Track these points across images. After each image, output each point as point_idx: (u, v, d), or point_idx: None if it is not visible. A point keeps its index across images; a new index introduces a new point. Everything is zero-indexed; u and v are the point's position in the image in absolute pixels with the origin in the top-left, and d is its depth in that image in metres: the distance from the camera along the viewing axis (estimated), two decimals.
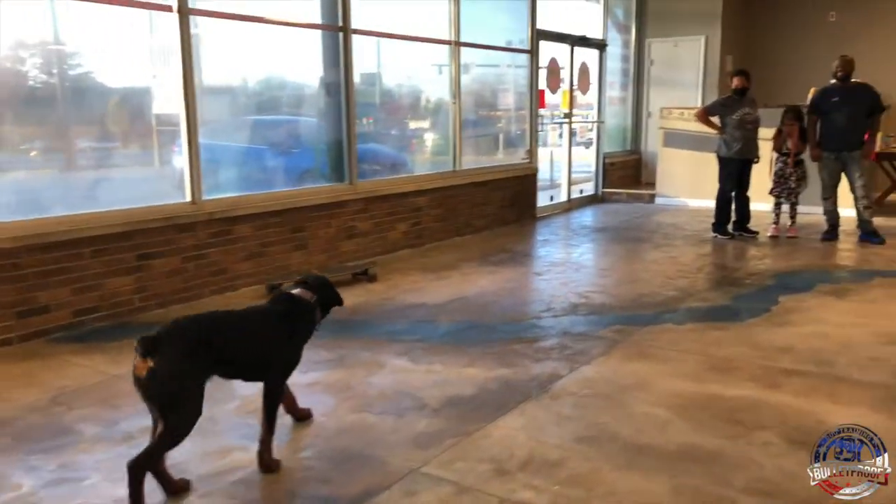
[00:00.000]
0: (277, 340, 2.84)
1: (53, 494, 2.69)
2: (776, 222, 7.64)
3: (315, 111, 6.56)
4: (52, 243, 4.43)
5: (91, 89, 5.08)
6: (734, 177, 7.52)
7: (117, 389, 3.64)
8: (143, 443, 3.03)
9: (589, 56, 10.42)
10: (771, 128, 7.63)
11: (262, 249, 5.70)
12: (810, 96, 8.54)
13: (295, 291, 3.02)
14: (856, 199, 7.23)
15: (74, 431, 3.19)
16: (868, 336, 4.31)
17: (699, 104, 10.54)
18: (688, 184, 9.82)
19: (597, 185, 10.83)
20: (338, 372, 3.81)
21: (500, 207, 8.45)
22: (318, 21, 6.35)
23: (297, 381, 3.27)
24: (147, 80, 5.33)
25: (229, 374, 2.81)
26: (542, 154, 9.64)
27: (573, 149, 10.22)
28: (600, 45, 10.58)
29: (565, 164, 10.10)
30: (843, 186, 7.32)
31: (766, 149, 7.62)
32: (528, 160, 9.04)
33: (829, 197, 7.33)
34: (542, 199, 9.51)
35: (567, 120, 10.01)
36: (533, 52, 8.86)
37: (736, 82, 7.51)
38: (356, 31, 6.41)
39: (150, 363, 2.40)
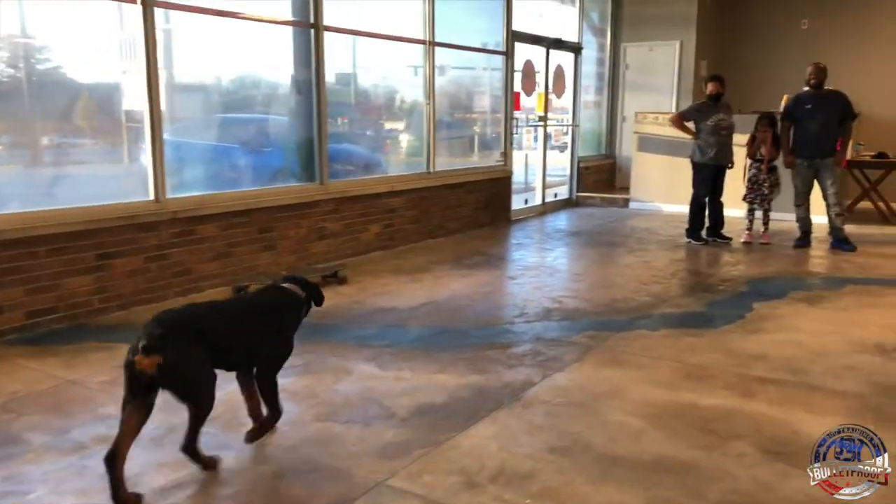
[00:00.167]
0: (268, 331, 2.91)
1: None
2: (749, 228, 7.65)
3: (286, 110, 6.41)
4: (6, 241, 4.24)
5: (59, 84, 4.92)
6: (708, 182, 7.51)
7: (71, 395, 3.49)
8: (97, 452, 2.89)
9: (564, 59, 10.39)
10: (745, 134, 7.64)
11: (228, 250, 5.55)
12: (783, 103, 8.59)
13: (284, 285, 3.08)
14: (828, 206, 7.25)
15: (22, 440, 3.03)
16: (841, 344, 4.29)
17: (673, 109, 10.57)
18: (662, 188, 9.83)
19: (571, 189, 10.80)
20: (303, 378, 3.68)
21: (474, 210, 8.37)
22: (290, 17, 6.21)
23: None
24: (116, 75, 5.15)
25: (223, 365, 2.83)
26: (517, 157, 9.57)
27: (548, 152, 10.17)
28: (576, 49, 10.55)
29: (540, 168, 10.05)
30: (816, 193, 7.35)
31: (739, 155, 7.63)
32: (502, 163, 8.97)
33: (802, 204, 7.35)
34: (517, 203, 9.44)
35: (542, 123, 9.96)
36: (508, 54, 8.79)
37: (710, 88, 7.50)
38: (328, 29, 6.28)
39: (158, 359, 2.47)
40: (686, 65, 11.00)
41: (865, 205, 9.32)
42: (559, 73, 10.25)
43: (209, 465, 2.77)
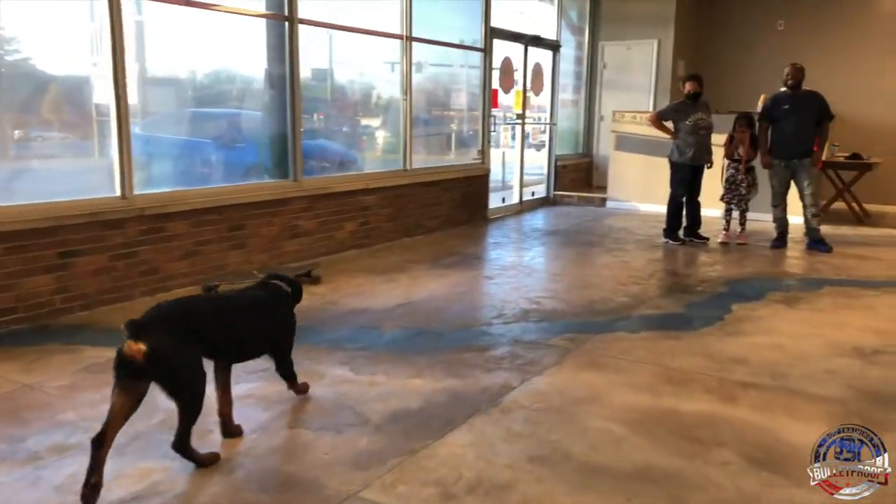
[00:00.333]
0: (263, 321, 3.03)
1: None
2: (726, 229, 7.64)
3: (260, 104, 6.26)
4: None
5: (27, 76, 4.74)
6: (686, 182, 7.47)
7: (27, 401, 3.33)
8: (52, 463, 2.75)
9: (542, 57, 10.32)
10: (722, 134, 7.62)
11: (197, 248, 5.38)
12: (760, 103, 8.59)
13: (273, 282, 3.23)
14: (804, 206, 7.26)
15: None
16: (820, 347, 4.25)
17: (651, 108, 10.56)
18: (639, 188, 9.80)
19: (548, 188, 10.74)
20: (273, 383, 3.53)
21: (451, 208, 8.26)
22: (263, 10, 6.05)
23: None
24: (87, 67, 4.96)
25: (218, 357, 2.89)
26: (494, 155, 9.48)
27: (525, 151, 10.09)
28: (554, 46, 10.49)
29: (517, 166, 9.97)
30: (793, 194, 7.35)
31: (718, 155, 7.61)
32: (480, 161, 8.87)
33: (779, 204, 7.35)
34: (494, 201, 9.36)
35: (520, 121, 9.88)
36: (487, 51, 8.69)
37: (689, 87, 7.45)
38: (303, 22, 6.13)
39: (144, 346, 2.43)
40: (664, 64, 10.98)
41: (839, 205, 9.38)
42: (537, 70, 10.18)
43: (205, 461, 2.71)
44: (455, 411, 3.25)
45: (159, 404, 3.20)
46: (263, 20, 6.06)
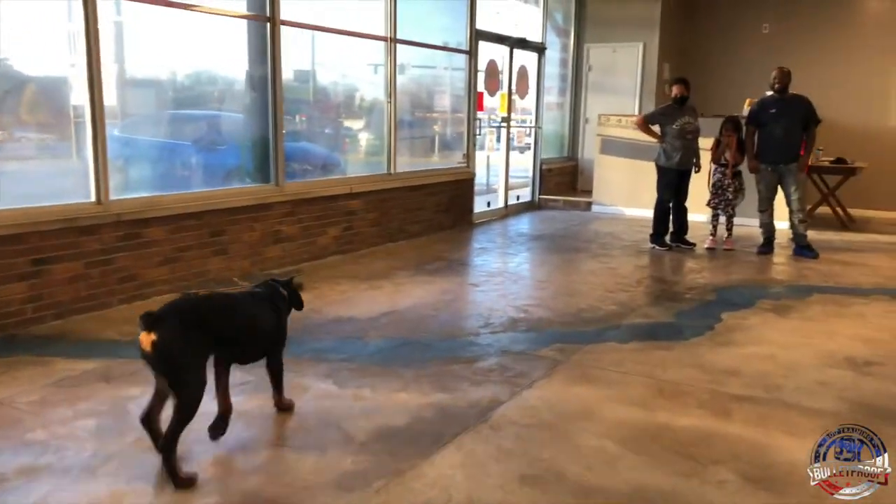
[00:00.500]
0: (270, 322, 3.07)
1: None
2: (713, 234, 7.59)
3: (241, 106, 6.12)
4: None
5: (3, 77, 4.57)
6: (673, 187, 7.41)
7: None
8: (20, 486, 2.61)
9: (528, 59, 10.24)
10: (709, 138, 7.58)
11: (177, 255, 5.23)
12: (746, 107, 8.57)
13: (272, 282, 3.28)
14: (791, 212, 7.23)
15: None
16: (812, 358, 4.19)
17: (636, 111, 10.52)
18: (624, 192, 9.75)
19: (534, 192, 10.66)
20: (254, 398, 3.42)
21: (435, 212, 8.15)
22: (245, 10, 5.91)
23: (208, 409, 2.88)
24: (65, 68, 4.79)
25: (226, 355, 2.93)
26: (479, 158, 9.38)
27: (510, 154, 10.01)
28: (539, 49, 10.41)
29: (502, 170, 9.89)
30: (778, 199, 7.32)
31: (705, 159, 7.56)
32: (465, 164, 8.77)
33: (766, 209, 7.31)
34: (479, 205, 9.26)
35: (505, 124, 9.79)
36: (472, 53, 8.59)
37: (675, 90, 7.39)
38: (285, 23, 6.00)
39: (153, 336, 2.51)
40: (649, 67, 10.95)
41: (824, 210, 9.38)
42: (522, 73, 10.10)
43: (181, 483, 2.58)
44: (443, 428, 3.14)
45: (133, 422, 3.08)
46: (245, 21, 5.92)
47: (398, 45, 7.36)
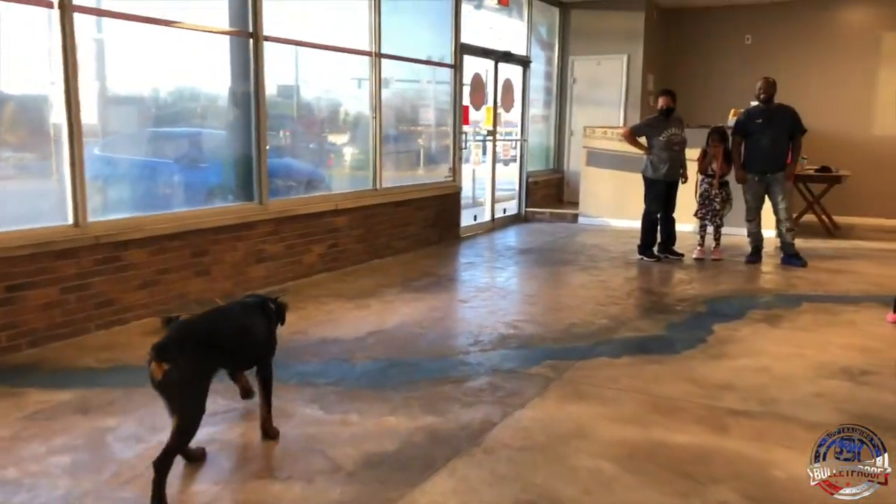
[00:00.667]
0: (263, 329, 3.14)
1: None
2: (701, 244, 7.56)
3: (223, 123, 6.01)
4: None
5: None
6: (661, 198, 7.37)
7: None
8: None
9: (513, 72, 10.22)
10: (695, 149, 7.56)
11: (157, 277, 5.11)
12: (731, 118, 8.58)
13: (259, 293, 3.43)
14: (779, 221, 7.21)
15: None
16: (807, 369, 4.13)
17: (621, 123, 10.52)
18: (611, 204, 9.72)
19: (520, 204, 10.61)
20: (238, 426, 3.30)
21: (422, 228, 8.07)
22: (227, 26, 5.83)
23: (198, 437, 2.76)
24: (45, 86, 4.66)
25: (230, 366, 3.12)
26: (465, 172, 9.31)
27: (496, 167, 9.96)
28: (524, 62, 10.39)
29: (489, 183, 9.83)
30: (765, 208, 7.30)
31: (691, 170, 7.54)
32: (451, 178, 8.70)
33: (754, 219, 7.29)
34: (466, 219, 9.19)
35: (490, 137, 9.74)
36: (457, 67, 8.55)
37: (661, 102, 7.37)
38: (268, 39, 5.92)
39: (165, 366, 2.57)
40: (633, 78, 10.96)
41: (809, 218, 9.39)
42: (507, 86, 10.07)
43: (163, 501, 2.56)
44: (434, 453, 3.04)
45: (110, 456, 2.97)
46: (227, 37, 5.83)
47: (383, 60, 7.30)
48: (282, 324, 3.34)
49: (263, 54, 5.88)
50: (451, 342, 4.72)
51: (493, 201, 9.89)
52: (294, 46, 6.40)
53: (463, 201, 9.08)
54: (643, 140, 7.44)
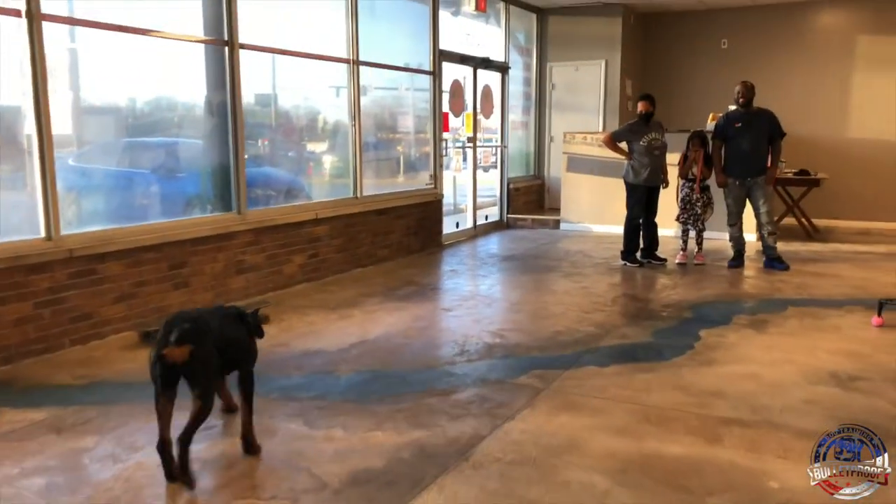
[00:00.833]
0: (242, 336, 3.19)
1: None
2: (684, 249, 7.55)
3: (200, 132, 5.90)
4: None
5: None
6: (642, 203, 7.35)
7: None
8: None
9: (492, 79, 10.19)
10: (676, 153, 7.56)
11: (135, 290, 4.98)
12: (710, 122, 8.60)
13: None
14: (760, 224, 7.22)
15: None
16: (796, 375, 4.10)
17: (600, 128, 10.52)
18: (592, 209, 9.70)
19: (502, 211, 10.57)
20: (219, 443, 3.20)
21: (404, 236, 7.99)
22: (202, 34, 5.72)
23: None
24: (17, 97, 4.51)
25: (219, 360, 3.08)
26: (446, 179, 9.25)
27: (477, 174, 9.91)
28: (503, 68, 10.37)
29: (470, 190, 9.77)
30: (747, 212, 7.31)
31: (672, 174, 7.53)
32: (432, 185, 8.63)
33: (735, 223, 7.30)
34: (448, 226, 9.12)
35: (471, 144, 9.69)
36: (435, 74, 8.49)
37: (641, 107, 7.36)
38: (244, 46, 5.82)
39: (189, 348, 2.73)
40: (612, 84, 10.96)
41: (788, 221, 9.43)
42: (487, 93, 10.04)
43: (187, 479, 2.78)
44: (422, 469, 2.96)
45: (86, 478, 2.86)
46: (202, 45, 5.73)
47: (361, 67, 7.22)
48: (260, 336, 3.30)
49: (239, 62, 5.78)
50: (436, 352, 4.65)
51: (475, 208, 9.83)
52: (271, 54, 6.32)
53: (444, 208, 9.02)
54: (624, 145, 7.42)
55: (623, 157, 7.45)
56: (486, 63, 9.77)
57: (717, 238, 7.89)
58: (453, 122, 9.55)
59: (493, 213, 10.56)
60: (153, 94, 5.62)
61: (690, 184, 7.39)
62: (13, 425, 3.40)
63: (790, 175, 9.37)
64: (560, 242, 8.98)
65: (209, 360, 2.84)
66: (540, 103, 11.49)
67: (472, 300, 6.06)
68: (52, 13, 4.48)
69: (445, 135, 9.03)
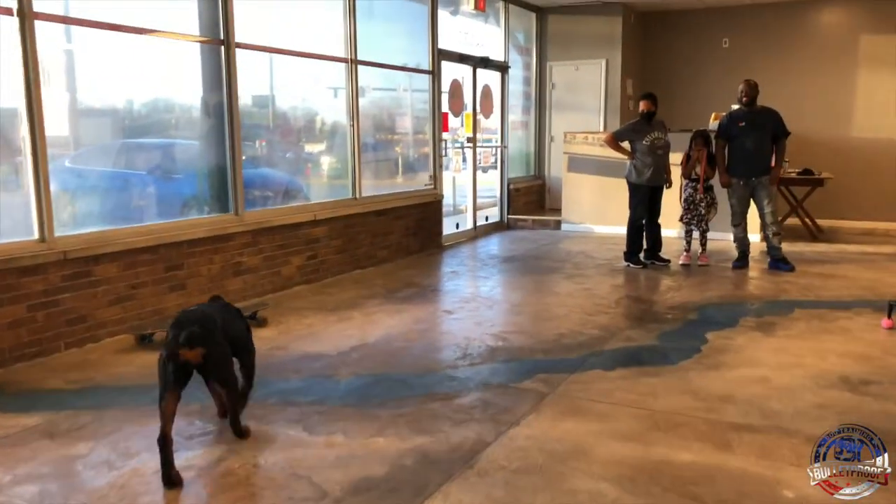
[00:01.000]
0: (239, 323, 3.40)
1: None
2: (687, 250, 7.46)
3: (197, 133, 5.81)
4: None
5: None
6: (645, 203, 7.26)
7: None
8: None
9: (491, 78, 10.10)
10: (678, 153, 7.48)
11: (131, 292, 4.90)
12: (713, 122, 8.52)
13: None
14: (765, 225, 7.14)
15: None
16: (806, 379, 4.01)
17: (601, 128, 10.44)
18: (594, 210, 9.62)
19: (502, 212, 10.49)
20: (216, 450, 3.11)
21: (403, 237, 7.90)
22: (197, 34, 5.63)
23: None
24: (13, 98, 4.40)
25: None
26: (445, 179, 9.16)
27: (477, 174, 9.82)
28: (502, 68, 10.29)
29: (470, 190, 9.69)
30: (751, 212, 7.23)
31: (675, 174, 7.45)
32: (432, 186, 8.55)
33: (740, 224, 7.21)
34: (448, 227, 9.03)
35: (471, 144, 9.61)
36: (434, 73, 8.41)
37: (643, 106, 7.28)
38: (240, 46, 5.74)
39: (202, 350, 2.89)
40: (612, 83, 10.89)
41: (792, 221, 9.34)
42: (486, 92, 9.96)
43: (244, 433, 3.19)
44: (426, 476, 2.87)
45: (79, 485, 2.78)
46: (198, 45, 5.64)
47: (359, 67, 7.14)
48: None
49: (236, 62, 5.70)
50: (437, 356, 4.56)
51: (475, 209, 9.75)
52: (268, 54, 6.23)
53: (444, 209, 8.94)
54: (626, 145, 7.34)
55: (626, 157, 7.36)
56: (485, 62, 9.69)
57: (721, 239, 7.81)
58: (453, 122, 9.46)
59: (494, 214, 10.47)
60: (149, 95, 5.53)
61: (694, 184, 7.31)
62: (5, 431, 3.31)
63: (794, 175, 9.29)
64: (561, 243, 8.89)
65: (223, 353, 3.03)
66: (540, 103, 11.41)
67: (474, 302, 5.97)
68: (46, 12, 4.39)
69: (445, 135, 8.94)
